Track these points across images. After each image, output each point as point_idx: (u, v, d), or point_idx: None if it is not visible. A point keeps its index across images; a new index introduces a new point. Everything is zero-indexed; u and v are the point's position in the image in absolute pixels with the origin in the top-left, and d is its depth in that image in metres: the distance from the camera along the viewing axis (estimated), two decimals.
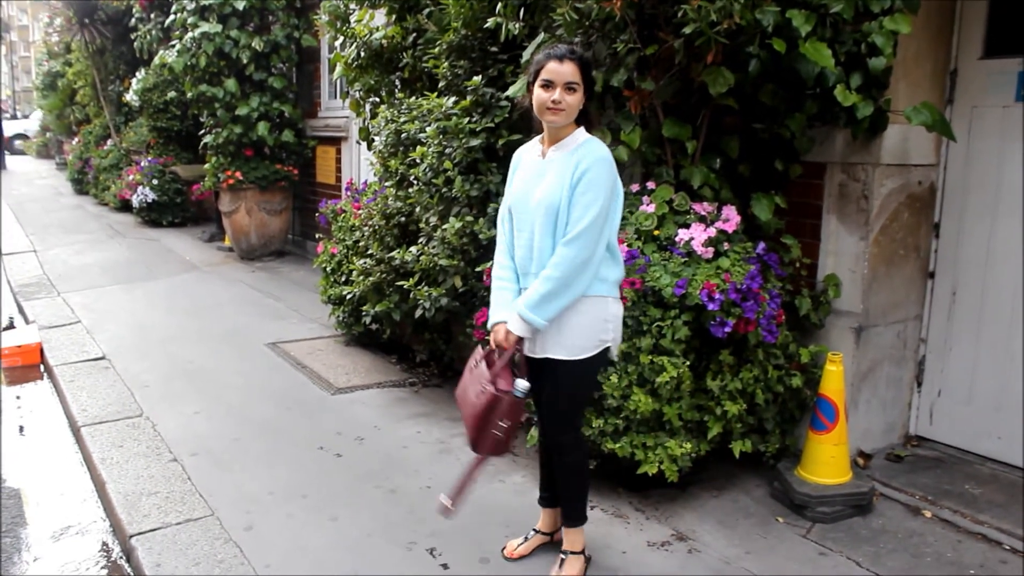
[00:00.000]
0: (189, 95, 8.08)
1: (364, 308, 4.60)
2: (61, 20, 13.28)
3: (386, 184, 4.51)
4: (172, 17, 8.14)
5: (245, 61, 7.80)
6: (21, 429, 4.22)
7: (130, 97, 10.48)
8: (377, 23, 4.95)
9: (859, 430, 3.48)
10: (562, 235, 2.36)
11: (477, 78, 3.87)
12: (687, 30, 2.91)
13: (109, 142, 12.69)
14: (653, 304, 3.04)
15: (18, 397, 4.69)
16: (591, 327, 2.43)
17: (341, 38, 5.04)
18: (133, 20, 10.41)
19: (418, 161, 4.06)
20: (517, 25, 3.63)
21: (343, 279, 5.10)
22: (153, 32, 9.75)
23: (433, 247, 3.89)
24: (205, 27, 7.63)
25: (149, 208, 10.35)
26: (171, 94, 9.98)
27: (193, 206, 10.71)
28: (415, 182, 4.15)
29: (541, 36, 3.47)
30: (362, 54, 4.87)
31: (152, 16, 9.87)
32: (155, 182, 10.26)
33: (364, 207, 4.76)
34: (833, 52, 2.91)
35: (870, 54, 3.04)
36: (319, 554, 2.81)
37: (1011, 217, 3.33)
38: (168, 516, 3.03)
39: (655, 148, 3.44)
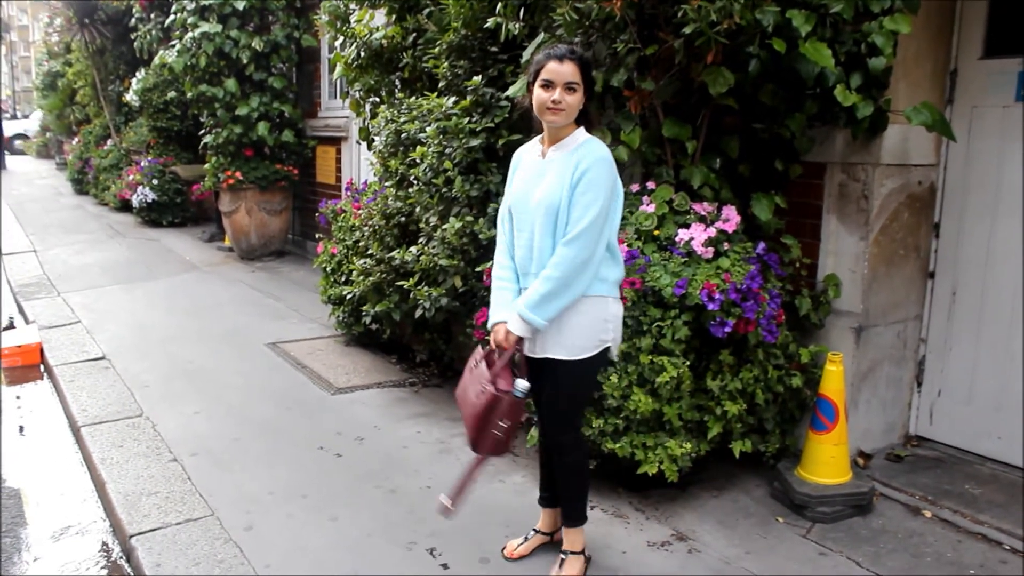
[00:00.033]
0: (189, 95, 8.08)
1: (364, 308, 4.60)
2: (61, 20, 13.28)
3: (386, 184, 4.51)
4: (172, 17, 8.14)
5: (245, 61, 7.80)
6: (21, 429, 4.22)
7: (130, 97, 10.49)
8: (377, 23, 4.95)
9: (859, 430, 3.48)
10: (562, 235, 2.36)
11: (477, 78, 3.87)
12: (687, 30, 2.91)
13: (109, 142, 12.69)
14: (653, 304, 3.04)
15: (18, 397, 4.69)
16: (591, 327, 2.43)
17: (341, 38, 5.04)
18: (133, 20, 10.42)
19: (418, 161, 4.06)
20: (517, 25, 3.63)
21: (343, 279, 5.10)
22: (153, 32, 9.75)
23: (433, 247, 3.89)
24: (205, 27, 7.64)
25: (149, 208, 10.36)
26: (171, 94, 9.99)
27: (193, 206, 10.71)
28: (415, 182, 4.15)
29: (541, 36, 3.47)
30: (362, 54, 4.87)
31: (152, 16, 9.87)
32: (155, 182, 10.26)
33: (364, 207, 4.76)
34: (833, 52, 2.91)
35: (870, 54, 3.04)
36: (319, 554, 2.81)
37: (1011, 217, 3.33)
38: (168, 516, 3.03)
39: (655, 148, 3.44)
